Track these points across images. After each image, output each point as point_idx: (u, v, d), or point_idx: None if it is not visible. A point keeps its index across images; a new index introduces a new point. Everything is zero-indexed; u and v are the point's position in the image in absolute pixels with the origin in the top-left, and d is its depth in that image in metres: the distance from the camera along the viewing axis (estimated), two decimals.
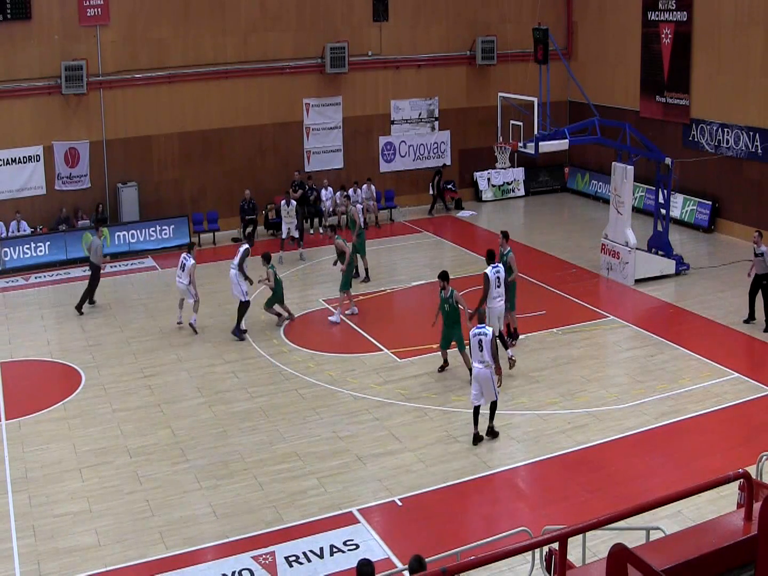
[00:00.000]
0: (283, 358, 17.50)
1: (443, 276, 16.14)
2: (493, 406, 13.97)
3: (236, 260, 18.81)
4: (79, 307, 20.29)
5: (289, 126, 27.42)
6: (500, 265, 16.57)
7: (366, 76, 28.28)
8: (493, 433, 14.07)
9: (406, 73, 28.92)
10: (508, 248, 17.36)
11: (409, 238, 26.00)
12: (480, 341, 13.66)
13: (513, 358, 16.38)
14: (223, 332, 18.94)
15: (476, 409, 13.85)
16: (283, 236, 23.89)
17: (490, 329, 14.03)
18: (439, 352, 16.64)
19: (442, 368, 16.64)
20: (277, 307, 19.35)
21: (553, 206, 29.36)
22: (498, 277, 16.28)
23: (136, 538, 11.68)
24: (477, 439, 13.88)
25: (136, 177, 25.59)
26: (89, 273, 20.76)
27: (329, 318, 19.41)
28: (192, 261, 18.88)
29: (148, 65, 25.42)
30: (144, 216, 25.42)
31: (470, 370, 14.65)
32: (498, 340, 15.36)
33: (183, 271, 18.90)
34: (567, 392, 15.70)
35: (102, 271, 21.57)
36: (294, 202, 24.23)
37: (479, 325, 13.95)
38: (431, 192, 28.59)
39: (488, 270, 16.32)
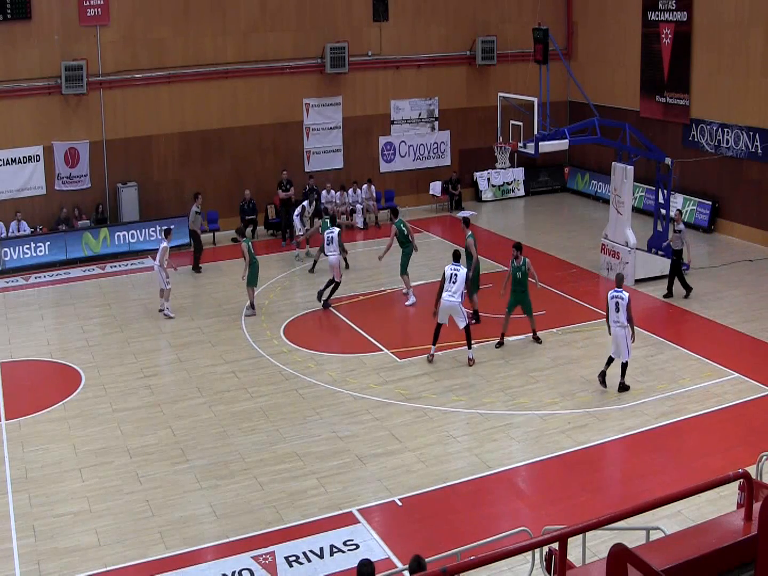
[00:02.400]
0: (283, 358, 17.50)
1: (517, 246, 17.74)
2: (624, 366, 15.42)
3: (335, 244, 20.01)
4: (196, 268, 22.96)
5: (289, 126, 27.42)
6: (460, 264, 17.12)
7: (366, 76, 28.28)
8: (624, 388, 15.47)
9: (406, 73, 28.93)
10: (523, 259, 17.61)
11: None
12: (617, 303, 15.23)
13: (472, 358, 17.01)
14: (223, 332, 18.95)
15: (610, 359, 15.51)
16: (300, 234, 24.07)
17: (627, 294, 15.34)
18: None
19: (499, 344, 17.77)
20: (251, 292, 19.93)
21: (553, 206, 29.37)
22: (454, 274, 16.81)
23: (136, 538, 11.68)
24: (602, 375, 15.59)
25: (136, 177, 25.59)
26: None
27: (406, 303, 20.19)
28: (164, 243, 19.44)
29: (148, 65, 25.42)
30: (144, 216, 25.42)
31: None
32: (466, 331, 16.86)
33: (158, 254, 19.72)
34: (567, 392, 15.70)
35: (103, 271, 21.66)
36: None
37: (617, 289, 15.40)
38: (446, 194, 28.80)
39: (446, 267, 17.10)
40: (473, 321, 18.38)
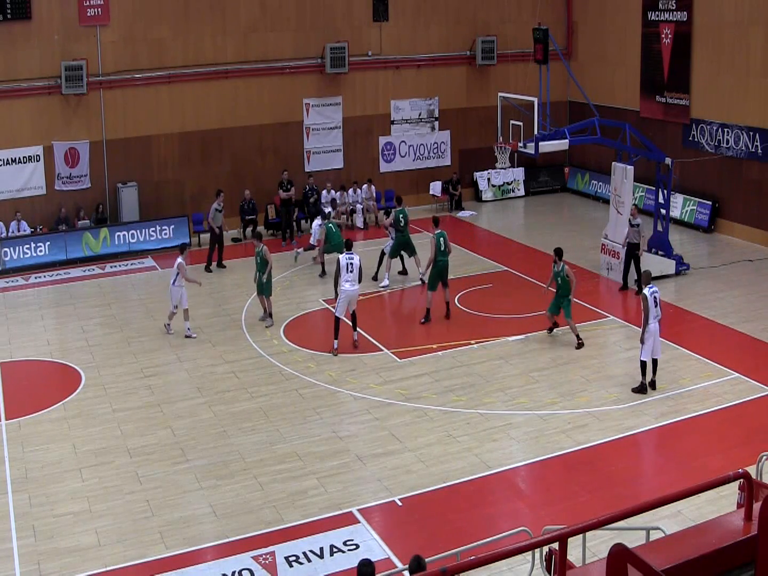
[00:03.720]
0: (283, 358, 17.50)
1: (557, 252, 18.00)
2: (655, 362, 15.65)
3: (356, 271, 17.84)
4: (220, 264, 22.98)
5: (289, 126, 27.42)
6: (354, 253, 17.72)
7: (366, 76, 28.28)
8: (654, 386, 15.62)
9: (406, 73, 28.92)
10: (562, 264, 17.77)
11: None
12: (656, 298, 15.41)
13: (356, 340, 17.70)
14: (223, 332, 18.95)
15: (644, 364, 15.49)
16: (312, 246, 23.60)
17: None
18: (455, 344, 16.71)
19: (550, 330, 18.26)
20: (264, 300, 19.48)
21: (553, 206, 29.36)
22: (350, 264, 17.42)
23: (136, 538, 11.68)
24: (649, 386, 15.59)
25: (136, 177, 25.59)
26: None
27: (379, 284, 20.18)
28: (180, 260, 18.48)
29: (148, 65, 25.42)
30: (144, 216, 25.41)
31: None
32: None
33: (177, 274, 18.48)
34: (567, 392, 15.70)
35: (103, 271, 21.60)
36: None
37: (651, 285, 15.56)
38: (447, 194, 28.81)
39: (341, 257, 17.67)
40: (423, 320, 18.95)
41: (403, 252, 21.66)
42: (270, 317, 19.25)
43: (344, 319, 17.71)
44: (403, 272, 22.08)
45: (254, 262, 19.39)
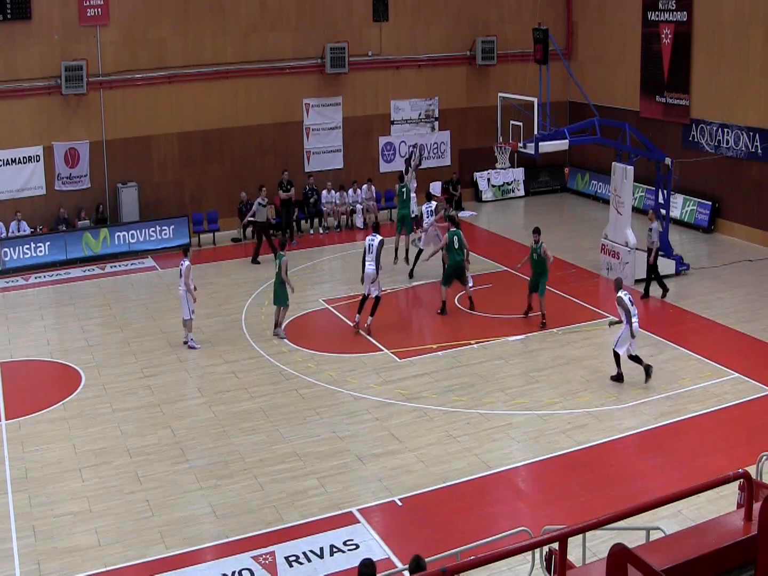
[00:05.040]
0: (283, 358, 17.50)
1: (536, 230, 18.64)
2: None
3: (374, 252, 18.43)
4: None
5: (289, 126, 27.41)
6: (376, 235, 18.71)
7: (366, 76, 28.27)
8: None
9: (406, 73, 28.92)
10: (541, 242, 18.63)
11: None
12: (630, 299, 15.80)
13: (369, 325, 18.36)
14: (223, 332, 18.95)
15: (619, 355, 15.90)
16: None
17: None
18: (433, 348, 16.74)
19: (525, 313, 18.97)
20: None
21: (553, 206, 29.36)
22: (370, 245, 18.43)
23: (136, 538, 11.68)
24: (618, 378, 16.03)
25: (136, 177, 25.58)
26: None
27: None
28: (187, 263, 17.98)
29: (148, 65, 25.41)
30: (144, 216, 25.41)
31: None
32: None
33: (181, 277, 18.02)
34: (567, 392, 15.70)
35: (103, 271, 21.51)
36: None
37: (623, 290, 16.03)
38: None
39: (370, 238, 18.69)
40: (439, 311, 19.48)
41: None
42: (277, 327, 18.57)
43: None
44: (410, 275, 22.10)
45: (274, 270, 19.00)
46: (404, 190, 22.55)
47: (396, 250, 22.56)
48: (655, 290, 20.25)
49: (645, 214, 25.41)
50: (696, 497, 7.88)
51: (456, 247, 19.26)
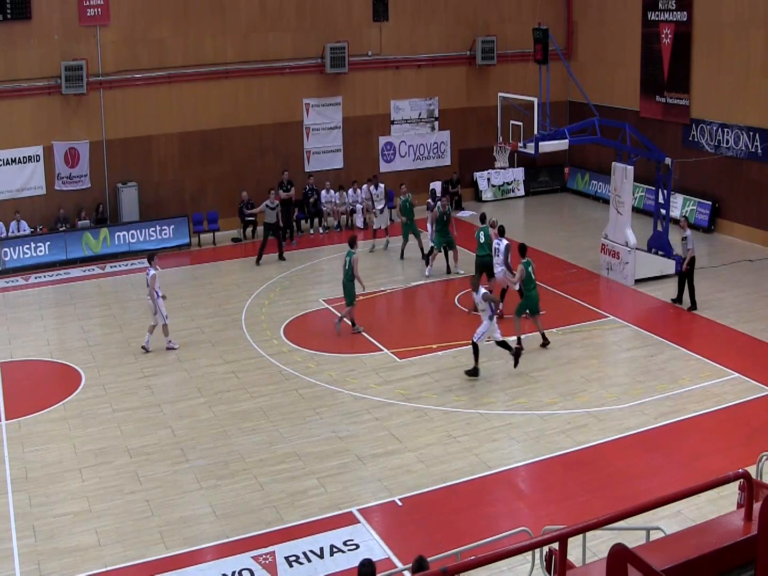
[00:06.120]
0: (283, 358, 17.50)
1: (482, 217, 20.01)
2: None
3: (501, 256, 18.66)
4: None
5: (289, 126, 27.41)
6: (502, 239, 18.78)
7: (366, 76, 28.27)
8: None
9: (406, 73, 28.92)
10: (487, 226, 19.51)
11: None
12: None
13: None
14: (223, 332, 18.95)
15: (477, 347, 16.01)
16: (374, 227, 25.05)
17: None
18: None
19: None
20: None
21: (553, 206, 29.36)
22: (497, 249, 18.72)
23: (136, 538, 11.69)
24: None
25: (136, 177, 25.58)
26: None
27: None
28: (153, 271, 17.66)
29: (148, 65, 25.41)
30: (144, 216, 25.41)
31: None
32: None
33: (147, 286, 17.71)
34: (567, 392, 15.70)
35: (103, 271, 21.46)
36: (382, 186, 25.95)
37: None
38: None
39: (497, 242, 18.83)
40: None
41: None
42: (341, 320, 18.43)
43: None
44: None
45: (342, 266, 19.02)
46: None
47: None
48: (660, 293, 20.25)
49: (645, 215, 25.52)
50: (696, 497, 7.88)
51: (482, 241, 19.55)
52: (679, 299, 19.77)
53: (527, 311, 17.49)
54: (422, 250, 22.81)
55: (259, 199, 26.05)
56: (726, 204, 25.18)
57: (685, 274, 19.56)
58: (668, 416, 14.69)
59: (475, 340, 16.07)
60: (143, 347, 17.89)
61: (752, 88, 23.96)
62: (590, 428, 14.37)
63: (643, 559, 5.04)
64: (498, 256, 18.88)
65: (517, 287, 18.11)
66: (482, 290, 16.05)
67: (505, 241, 18.90)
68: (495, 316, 16.18)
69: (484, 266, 19.44)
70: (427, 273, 22.07)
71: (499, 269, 18.92)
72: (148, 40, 25.31)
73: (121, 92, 25.20)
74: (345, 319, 18.56)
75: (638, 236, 21.57)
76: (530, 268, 17.52)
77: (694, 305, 19.43)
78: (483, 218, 20.35)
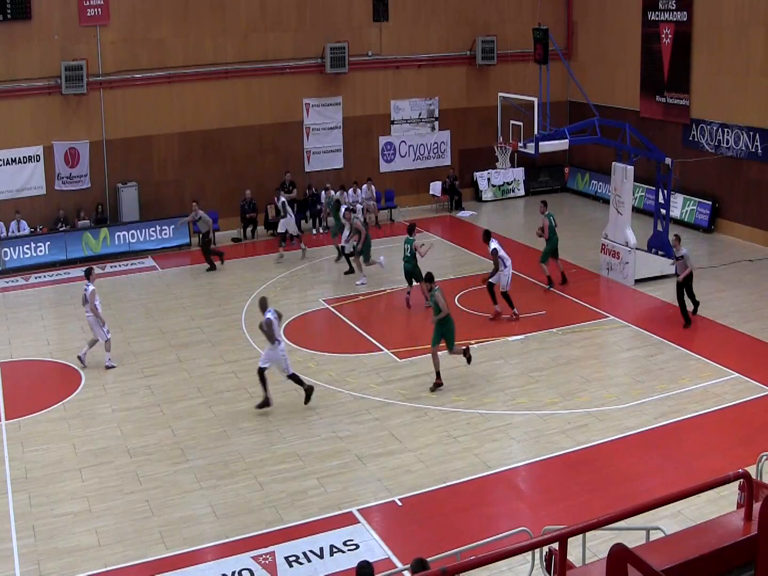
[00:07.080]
0: None
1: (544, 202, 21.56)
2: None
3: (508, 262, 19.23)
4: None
5: (289, 126, 27.42)
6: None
7: (366, 76, 28.28)
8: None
9: (406, 73, 28.92)
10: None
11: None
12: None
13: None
14: (223, 332, 18.95)
15: (263, 371, 15.02)
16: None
17: None
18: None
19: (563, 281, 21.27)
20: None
21: (553, 206, 29.10)
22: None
23: (136, 538, 11.68)
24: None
25: (136, 177, 25.59)
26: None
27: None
28: (92, 287, 17.01)
29: (148, 65, 25.42)
30: (144, 216, 25.42)
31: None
32: None
33: (86, 302, 16.98)
34: (567, 392, 15.70)
35: (103, 271, 21.42)
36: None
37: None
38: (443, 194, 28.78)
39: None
40: (548, 287, 20.88)
41: None
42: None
43: None
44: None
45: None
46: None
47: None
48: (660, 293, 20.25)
49: (645, 215, 25.52)
50: (696, 497, 7.87)
51: (554, 225, 21.01)
52: (695, 310, 18.98)
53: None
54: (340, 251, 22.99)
55: (260, 199, 26.10)
56: (726, 204, 25.18)
57: (683, 290, 18.73)
58: (668, 416, 14.69)
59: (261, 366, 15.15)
60: (108, 367, 17.17)
61: (752, 88, 23.96)
62: (590, 428, 14.37)
63: (643, 559, 5.04)
64: (504, 265, 18.99)
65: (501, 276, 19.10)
66: (267, 314, 15.05)
67: (493, 245, 19.07)
68: (279, 342, 15.09)
69: (408, 273, 20.08)
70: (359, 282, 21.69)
71: (503, 275, 19.05)
72: (148, 40, 25.32)
73: (121, 92, 25.21)
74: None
75: (638, 236, 21.57)
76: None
77: (696, 306, 19.02)
78: (545, 204, 21.54)
